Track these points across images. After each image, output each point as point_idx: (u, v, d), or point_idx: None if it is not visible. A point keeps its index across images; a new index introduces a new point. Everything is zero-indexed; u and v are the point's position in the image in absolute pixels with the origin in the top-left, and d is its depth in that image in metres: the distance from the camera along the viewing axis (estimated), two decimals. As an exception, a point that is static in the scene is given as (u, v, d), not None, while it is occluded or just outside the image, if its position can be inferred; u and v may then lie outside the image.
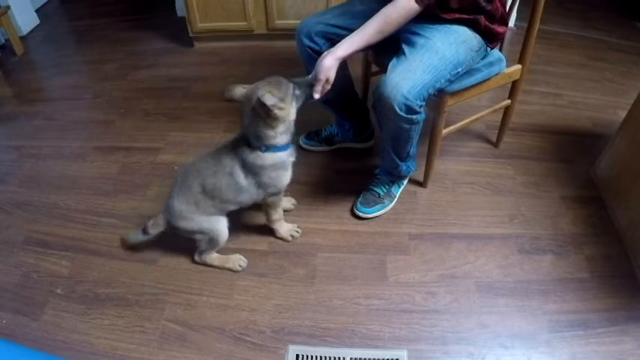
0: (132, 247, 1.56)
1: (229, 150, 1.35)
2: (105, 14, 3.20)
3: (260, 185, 1.37)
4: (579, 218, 1.67)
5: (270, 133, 1.29)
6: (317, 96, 1.36)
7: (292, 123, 1.33)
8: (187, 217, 1.39)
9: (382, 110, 1.36)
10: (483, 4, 1.36)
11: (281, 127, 1.29)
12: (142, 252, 1.57)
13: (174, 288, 1.48)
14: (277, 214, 1.53)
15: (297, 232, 1.61)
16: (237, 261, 1.52)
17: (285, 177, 1.40)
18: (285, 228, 1.59)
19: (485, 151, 1.95)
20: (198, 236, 1.45)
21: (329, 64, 1.32)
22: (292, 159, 1.39)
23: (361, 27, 1.33)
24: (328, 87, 1.36)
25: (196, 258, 1.52)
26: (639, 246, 1.49)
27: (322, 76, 1.33)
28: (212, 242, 1.45)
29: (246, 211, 1.60)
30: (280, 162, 1.35)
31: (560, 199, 1.74)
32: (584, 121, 2.10)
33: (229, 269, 1.52)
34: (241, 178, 1.35)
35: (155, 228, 1.45)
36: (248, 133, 1.31)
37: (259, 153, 1.31)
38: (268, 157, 1.32)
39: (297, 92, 1.31)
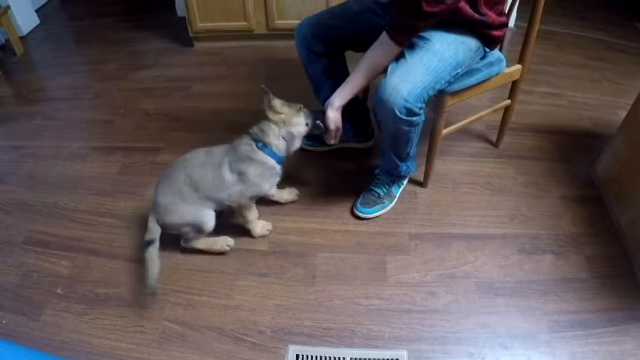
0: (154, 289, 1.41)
1: (223, 146, 1.45)
2: (105, 14, 3.20)
3: (243, 181, 1.41)
4: (579, 218, 1.67)
5: (274, 129, 1.42)
6: (332, 142, 1.54)
7: (293, 145, 1.48)
8: (173, 210, 1.42)
9: (382, 113, 1.36)
10: (477, 17, 1.34)
11: (283, 131, 1.43)
12: (142, 252, 1.57)
13: (174, 288, 1.48)
14: (252, 215, 1.55)
15: (269, 229, 1.62)
16: (225, 242, 1.54)
17: (268, 182, 1.47)
18: (259, 226, 1.60)
19: (485, 151, 1.95)
20: (185, 229, 1.47)
21: (332, 115, 1.45)
22: (278, 175, 1.49)
23: (350, 75, 1.43)
24: (340, 131, 1.51)
25: (182, 243, 1.53)
26: (639, 246, 1.49)
27: (332, 127, 1.47)
28: (199, 232, 1.49)
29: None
30: (268, 165, 1.43)
31: (560, 199, 1.74)
32: (584, 121, 2.10)
33: (217, 251, 1.54)
34: (227, 172, 1.41)
35: (152, 233, 1.43)
36: (257, 127, 1.44)
37: (254, 147, 1.41)
38: (260, 154, 1.42)
39: (307, 120, 1.47)
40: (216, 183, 1.41)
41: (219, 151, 1.44)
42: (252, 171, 1.41)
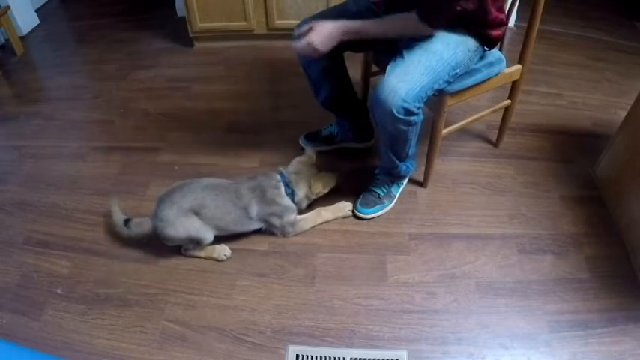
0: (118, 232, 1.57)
1: (248, 184, 1.53)
2: (105, 14, 3.20)
3: (278, 217, 1.55)
4: (579, 218, 1.67)
5: (303, 191, 1.58)
6: (298, 48, 1.37)
7: (310, 200, 1.63)
8: (177, 226, 1.44)
9: (380, 113, 1.35)
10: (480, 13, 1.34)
11: (312, 196, 1.60)
12: (142, 252, 1.57)
13: (174, 288, 1.48)
14: (315, 220, 1.65)
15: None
16: (222, 251, 1.55)
17: (293, 215, 1.58)
18: (309, 223, 1.65)
19: (485, 151, 1.95)
20: (184, 242, 1.51)
21: (329, 30, 1.34)
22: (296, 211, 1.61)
23: (377, 20, 1.36)
24: (311, 50, 1.34)
25: (182, 251, 1.56)
26: (639, 246, 1.49)
27: (314, 38, 1.33)
28: (197, 244, 1.52)
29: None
30: (289, 207, 1.56)
31: (560, 199, 1.74)
32: (584, 121, 2.10)
33: (215, 259, 1.54)
34: (254, 212, 1.51)
35: (137, 228, 1.51)
36: (293, 175, 1.58)
37: (281, 191, 1.53)
38: (285, 199, 1.54)
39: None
40: (242, 220, 1.52)
41: (245, 190, 1.51)
42: (278, 210, 1.54)
